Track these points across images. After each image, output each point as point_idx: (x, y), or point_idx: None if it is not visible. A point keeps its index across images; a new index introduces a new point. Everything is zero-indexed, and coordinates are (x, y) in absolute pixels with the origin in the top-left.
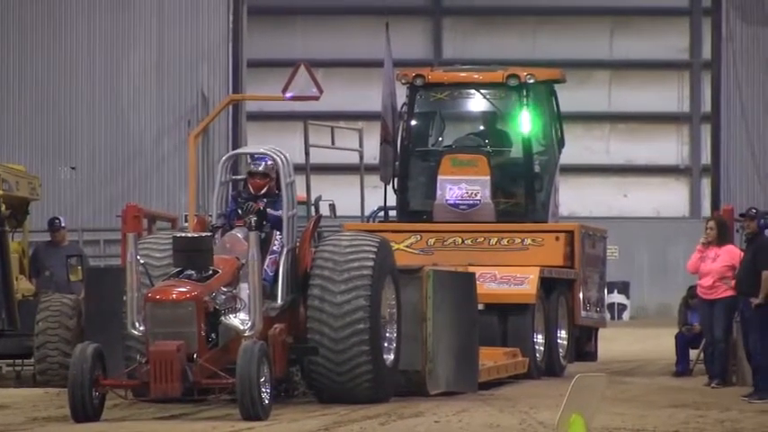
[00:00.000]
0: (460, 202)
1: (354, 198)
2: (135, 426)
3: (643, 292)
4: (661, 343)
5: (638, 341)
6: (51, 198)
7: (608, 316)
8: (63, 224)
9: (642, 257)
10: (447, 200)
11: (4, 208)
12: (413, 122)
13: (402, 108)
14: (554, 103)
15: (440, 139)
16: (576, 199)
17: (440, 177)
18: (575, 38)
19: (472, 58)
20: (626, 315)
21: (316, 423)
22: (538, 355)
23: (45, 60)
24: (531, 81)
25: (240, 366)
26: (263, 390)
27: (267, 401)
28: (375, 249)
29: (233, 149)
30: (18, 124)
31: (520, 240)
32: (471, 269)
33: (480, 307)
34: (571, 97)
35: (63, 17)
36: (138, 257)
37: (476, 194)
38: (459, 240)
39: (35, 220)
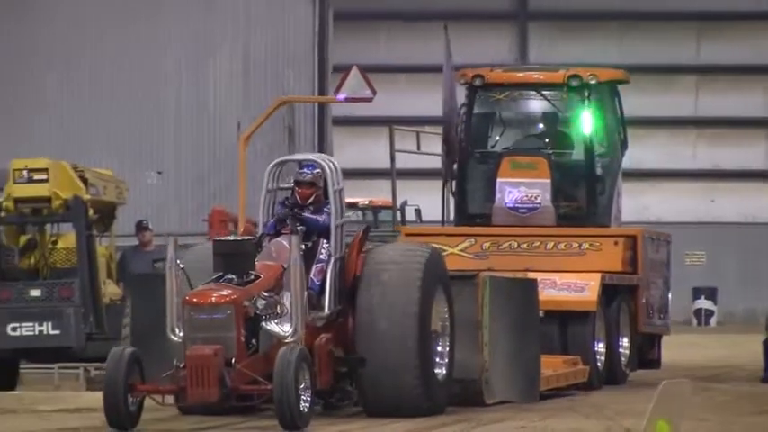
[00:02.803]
0: (520, 205)
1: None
2: None
3: (730, 298)
4: (748, 349)
5: (725, 347)
6: (138, 203)
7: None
8: (150, 226)
9: (730, 263)
10: (506, 203)
11: (91, 212)
12: (471, 124)
13: (461, 109)
14: (617, 104)
15: (499, 140)
16: (662, 204)
17: (499, 180)
18: (661, 42)
19: (557, 62)
20: (713, 321)
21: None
22: (599, 363)
23: (134, 66)
24: (594, 81)
25: (277, 372)
26: (303, 397)
27: (306, 409)
28: (424, 260)
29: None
30: (106, 129)
31: (578, 245)
32: (531, 275)
33: (540, 314)
34: (657, 102)
35: (151, 22)
36: (178, 261)
37: (536, 198)
38: (516, 244)
39: (122, 224)
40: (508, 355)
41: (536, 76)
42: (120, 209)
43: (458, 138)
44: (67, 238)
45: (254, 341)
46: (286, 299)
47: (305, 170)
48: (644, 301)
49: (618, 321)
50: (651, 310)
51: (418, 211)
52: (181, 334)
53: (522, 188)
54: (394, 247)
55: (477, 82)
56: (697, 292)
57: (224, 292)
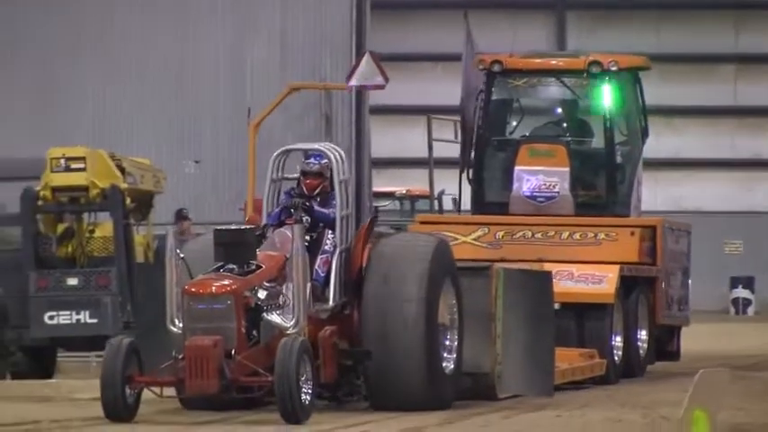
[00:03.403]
0: (538, 194)
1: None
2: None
3: None
4: None
5: (763, 336)
6: (175, 192)
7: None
8: (189, 215)
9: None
10: (524, 192)
11: (129, 201)
12: (489, 111)
13: (478, 96)
14: (638, 91)
15: (517, 127)
16: (700, 194)
17: (517, 168)
18: (698, 32)
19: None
20: (750, 310)
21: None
22: (616, 356)
23: (171, 54)
24: (615, 68)
25: (278, 364)
26: (304, 389)
27: (308, 402)
28: (431, 251)
29: (355, 142)
30: (143, 118)
31: (593, 235)
32: (547, 267)
33: (556, 306)
34: (695, 91)
35: (189, 10)
36: (178, 251)
37: (554, 186)
38: (530, 234)
39: (160, 213)
40: (522, 349)
41: (556, 62)
42: (157, 198)
43: (475, 125)
44: (105, 226)
45: (255, 332)
46: (289, 290)
47: (312, 160)
48: (663, 292)
49: (636, 313)
50: (670, 302)
51: (455, 200)
52: (181, 325)
53: (540, 176)
54: (400, 237)
55: (496, 68)
56: (735, 282)
57: (224, 282)
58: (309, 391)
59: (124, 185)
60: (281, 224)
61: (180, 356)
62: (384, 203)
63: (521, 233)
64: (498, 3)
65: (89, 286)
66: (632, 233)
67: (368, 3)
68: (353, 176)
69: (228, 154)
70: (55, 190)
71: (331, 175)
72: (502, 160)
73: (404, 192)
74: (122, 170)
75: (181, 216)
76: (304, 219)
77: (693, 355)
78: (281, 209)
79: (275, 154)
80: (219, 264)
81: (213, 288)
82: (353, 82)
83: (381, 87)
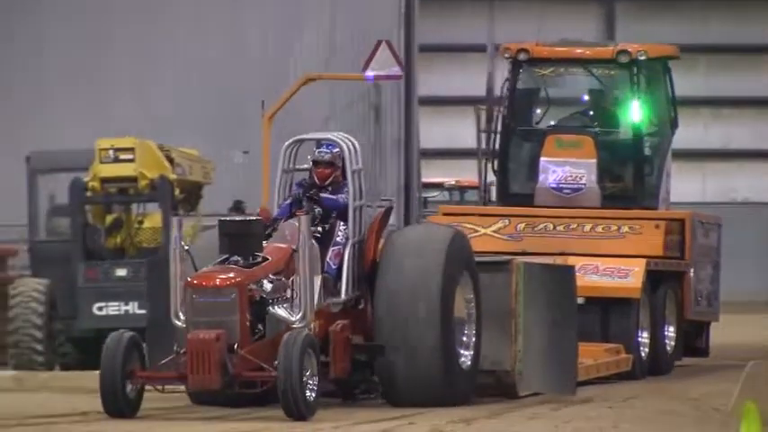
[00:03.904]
0: (564, 185)
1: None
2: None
3: None
4: None
5: None
6: (224, 182)
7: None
8: (245, 207)
9: None
10: (550, 183)
11: (177, 192)
12: (515, 100)
13: (504, 85)
14: (668, 81)
15: (543, 117)
16: (750, 185)
17: (542, 159)
18: (747, 21)
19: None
20: None
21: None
22: (643, 352)
23: (219, 46)
24: (643, 58)
25: (282, 359)
26: (309, 385)
27: (312, 398)
28: (446, 243)
29: (404, 133)
30: (192, 108)
31: (616, 228)
32: (571, 260)
33: (581, 301)
34: (742, 82)
35: (236, 3)
36: (183, 243)
37: (581, 178)
38: (551, 226)
39: (208, 204)
40: (543, 346)
41: (583, 51)
42: (206, 188)
43: (501, 114)
44: (153, 217)
45: (260, 326)
46: (296, 283)
47: (323, 149)
48: (692, 287)
49: (663, 308)
50: (699, 297)
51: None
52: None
53: (566, 168)
54: (415, 229)
55: (522, 57)
56: None
57: (228, 275)
58: (314, 388)
59: (173, 176)
60: (292, 216)
61: (182, 351)
62: (433, 194)
63: (542, 225)
64: None
65: (137, 277)
66: (657, 226)
67: None
68: (402, 167)
69: (276, 144)
70: (104, 181)
71: (343, 164)
72: (527, 151)
73: (453, 182)
74: (171, 161)
75: (237, 208)
76: (316, 210)
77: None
78: (292, 200)
79: (287, 143)
80: (225, 256)
81: (217, 281)
82: (370, 72)
83: (398, 78)
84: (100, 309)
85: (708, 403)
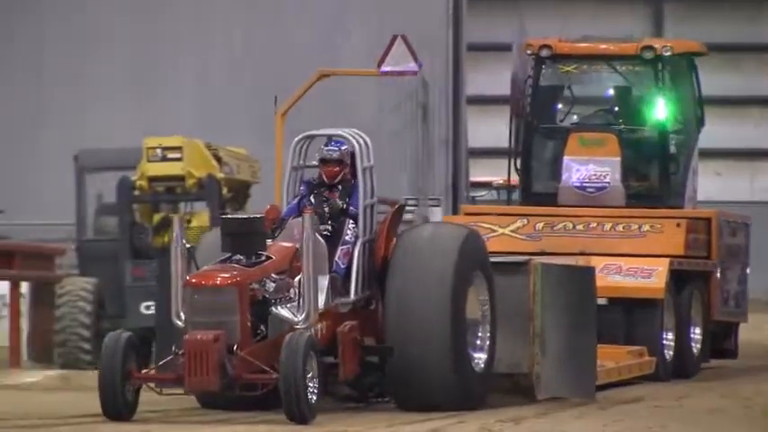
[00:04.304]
0: (588, 184)
1: None
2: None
3: None
4: None
5: None
6: (269, 182)
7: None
8: None
9: None
10: (573, 182)
11: (225, 191)
12: (538, 97)
13: (526, 82)
14: (694, 78)
15: (567, 115)
16: None
17: (566, 157)
18: None
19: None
20: None
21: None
22: (667, 353)
23: (265, 48)
24: (668, 54)
25: (283, 360)
26: (311, 387)
27: (314, 400)
28: (459, 243)
29: (452, 132)
30: (238, 108)
31: (637, 227)
32: (594, 260)
33: (604, 302)
34: None
35: (282, 4)
36: (184, 241)
37: (604, 176)
38: (570, 225)
39: (256, 203)
40: (562, 348)
41: (607, 47)
42: (253, 187)
43: (523, 112)
44: (201, 216)
45: (262, 327)
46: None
47: (332, 146)
48: (719, 287)
49: (689, 309)
50: (726, 297)
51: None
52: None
53: (590, 166)
54: (427, 228)
55: (545, 53)
56: None
57: (228, 274)
58: (316, 389)
59: (221, 175)
60: (301, 215)
61: (180, 351)
62: (481, 193)
63: (561, 225)
64: None
65: None
66: (678, 225)
67: None
68: (450, 166)
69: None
70: (151, 180)
71: (353, 162)
72: (550, 149)
73: (501, 181)
74: (219, 160)
75: None
76: (325, 208)
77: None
78: (299, 199)
79: (296, 139)
80: (227, 255)
81: (216, 280)
82: (385, 67)
83: (414, 74)
84: (147, 308)
85: (758, 402)
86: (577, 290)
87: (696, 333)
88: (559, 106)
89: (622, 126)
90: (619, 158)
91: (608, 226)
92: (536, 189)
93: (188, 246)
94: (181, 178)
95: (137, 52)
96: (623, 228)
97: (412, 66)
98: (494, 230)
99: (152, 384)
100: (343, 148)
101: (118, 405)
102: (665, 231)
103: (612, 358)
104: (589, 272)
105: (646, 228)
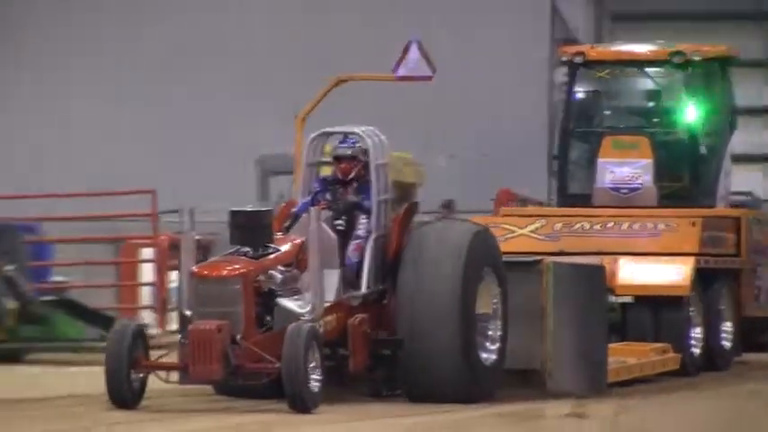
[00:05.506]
0: (622, 185)
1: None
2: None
3: None
4: None
5: None
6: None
7: None
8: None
9: None
10: (607, 183)
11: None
12: (572, 102)
13: (562, 87)
14: (726, 82)
15: (600, 119)
16: None
17: (600, 160)
18: None
19: None
20: None
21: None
22: (695, 350)
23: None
24: (698, 58)
25: (285, 350)
26: (313, 376)
27: (316, 389)
28: (468, 239)
29: None
30: (401, 114)
31: (653, 225)
32: (609, 258)
33: (630, 300)
34: None
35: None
36: (193, 233)
37: (637, 178)
38: (588, 225)
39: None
40: (573, 345)
41: (639, 52)
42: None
43: (559, 116)
44: None
45: (268, 318)
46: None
47: (346, 143)
48: (750, 284)
49: (718, 305)
50: (758, 293)
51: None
52: None
53: (624, 168)
54: (438, 225)
55: (578, 59)
56: None
57: (233, 266)
58: (318, 379)
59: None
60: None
61: (185, 341)
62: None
63: (578, 225)
64: (701, 13)
65: None
66: (693, 223)
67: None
68: None
69: (476, 146)
70: None
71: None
72: (585, 152)
73: None
74: None
75: (448, 206)
76: (340, 203)
77: None
78: (313, 195)
79: (312, 136)
80: (236, 247)
81: (222, 271)
82: (400, 72)
83: (429, 79)
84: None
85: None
86: (588, 288)
87: (727, 328)
88: (593, 111)
89: (654, 129)
90: (651, 160)
91: (625, 225)
92: (572, 190)
93: (197, 237)
94: None
95: None
96: (639, 227)
97: (427, 71)
98: (512, 231)
99: (160, 373)
100: (356, 145)
101: (123, 392)
102: (680, 230)
103: (635, 355)
104: (599, 270)
105: (661, 226)
